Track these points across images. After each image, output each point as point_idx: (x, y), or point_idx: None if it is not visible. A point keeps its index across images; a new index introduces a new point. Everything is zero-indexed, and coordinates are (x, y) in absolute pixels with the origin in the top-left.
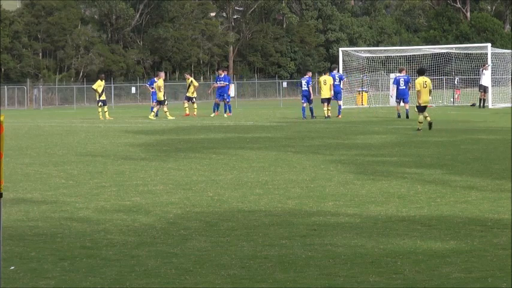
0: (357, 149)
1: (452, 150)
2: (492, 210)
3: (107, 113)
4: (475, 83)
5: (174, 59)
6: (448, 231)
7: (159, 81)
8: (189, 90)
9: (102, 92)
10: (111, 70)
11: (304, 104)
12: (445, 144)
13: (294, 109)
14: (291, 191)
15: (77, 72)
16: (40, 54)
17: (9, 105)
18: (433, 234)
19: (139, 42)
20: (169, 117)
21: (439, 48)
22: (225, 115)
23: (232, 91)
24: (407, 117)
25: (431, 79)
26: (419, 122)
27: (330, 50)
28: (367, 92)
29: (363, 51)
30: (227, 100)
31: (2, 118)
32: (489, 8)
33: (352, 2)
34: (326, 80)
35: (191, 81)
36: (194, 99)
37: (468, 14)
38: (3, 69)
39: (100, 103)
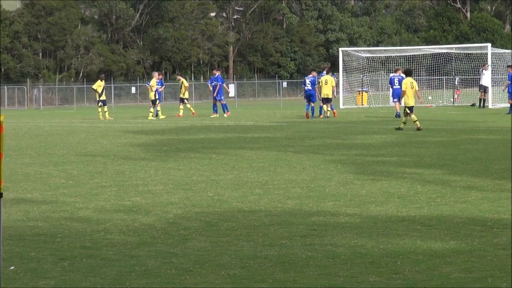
0: (357, 149)
1: (452, 150)
2: (492, 210)
3: (106, 113)
4: (475, 83)
5: (174, 59)
6: (448, 231)
7: (152, 81)
8: (181, 91)
9: (102, 92)
10: (111, 70)
11: (312, 104)
12: (445, 144)
13: (294, 109)
14: (291, 191)
15: (77, 72)
16: (40, 54)
17: (9, 105)
18: (433, 234)
19: (139, 42)
20: (161, 117)
21: (439, 48)
22: (225, 115)
23: (232, 91)
24: (396, 116)
25: (431, 79)
26: (415, 121)
27: (330, 50)
28: (367, 92)
29: (362, 51)
30: (222, 100)
31: (2, 118)
32: (489, 8)
33: (352, 2)
34: (327, 80)
35: (182, 82)
36: (186, 100)
37: (468, 14)
38: (3, 69)
39: (100, 103)
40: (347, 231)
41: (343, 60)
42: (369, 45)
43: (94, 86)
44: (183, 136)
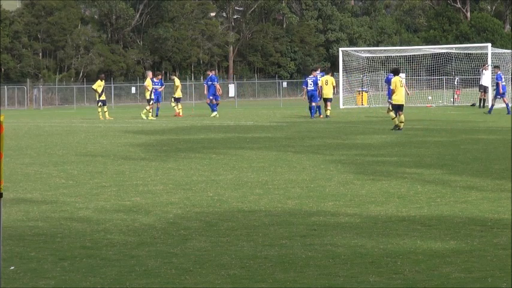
0: (357, 149)
1: (452, 150)
2: (492, 210)
3: (106, 113)
4: (475, 83)
5: (174, 59)
6: (448, 231)
7: (146, 81)
8: (177, 91)
9: (102, 92)
10: (111, 70)
11: (313, 104)
12: (445, 144)
13: (294, 109)
14: (291, 191)
15: (77, 72)
16: (40, 54)
17: (9, 105)
18: (433, 234)
19: (139, 42)
20: (149, 117)
21: (439, 48)
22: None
23: (232, 91)
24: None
25: (431, 79)
26: (401, 122)
27: (330, 50)
28: (367, 92)
29: (362, 51)
30: (217, 99)
31: (2, 118)
32: (489, 8)
33: (352, 2)
34: (328, 80)
35: (175, 81)
36: (175, 99)
37: (468, 14)
38: (3, 69)
39: (100, 103)
40: (347, 231)
41: (343, 60)
42: (369, 45)
43: (94, 86)
44: (183, 136)
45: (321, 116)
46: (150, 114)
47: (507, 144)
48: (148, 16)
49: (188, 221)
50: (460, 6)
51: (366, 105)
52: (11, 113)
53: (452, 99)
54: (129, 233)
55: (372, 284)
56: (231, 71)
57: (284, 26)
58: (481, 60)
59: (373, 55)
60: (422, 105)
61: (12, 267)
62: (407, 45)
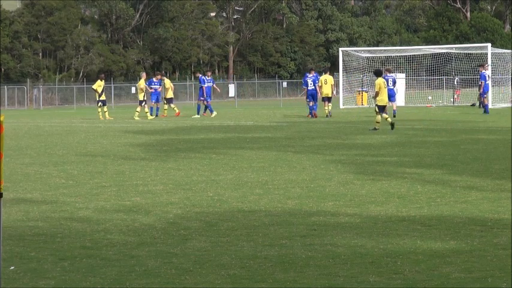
0: (357, 149)
1: (452, 150)
2: (492, 210)
3: (106, 113)
4: (475, 83)
5: (174, 59)
6: (448, 231)
7: (140, 82)
8: (167, 92)
9: (102, 92)
10: (111, 70)
11: (311, 103)
12: (445, 144)
13: (294, 109)
14: (291, 191)
15: (77, 72)
16: (40, 54)
17: (9, 105)
18: (433, 234)
19: (139, 42)
20: (136, 118)
21: (439, 48)
22: (200, 115)
23: (232, 91)
24: (393, 116)
25: (431, 79)
26: (377, 122)
27: (330, 50)
28: (367, 92)
29: (362, 51)
30: (208, 101)
31: (2, 118)
32: (489, 8)
33: (352, 2)
34: (327, 79)
35: (164, 82)
36: (166, 100)
37: (468, 14)
38: (3, 69)
39: (100, 103)
40: (347, 231)
41: (343, 60)
42: (369, 45)
43: (94, 86)
44: (183, 136)
45: (308, 116)
46: (137, 114)
47: (507, 144)
48: (148, 16)
49: (188, 221)
50: (460, 6)
51: (366, 105)
52: (11, 113)
53: (452, 99)
54: (129, 233)
55: (372, 284)
56: (231, 71)
57: (284, 26)
58: (481, 60)
59: (373, 55)
60: (422, 105)
61: (12, 267)
62: (407, 45)
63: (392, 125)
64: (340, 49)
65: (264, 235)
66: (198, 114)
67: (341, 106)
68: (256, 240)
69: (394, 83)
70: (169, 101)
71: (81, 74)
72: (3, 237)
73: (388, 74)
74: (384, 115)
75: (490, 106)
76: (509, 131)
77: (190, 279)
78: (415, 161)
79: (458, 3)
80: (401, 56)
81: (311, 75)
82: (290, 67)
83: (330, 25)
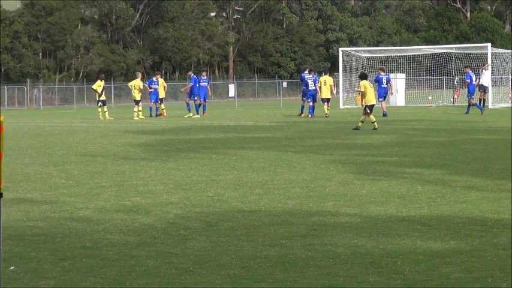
0: (357, 149)
1: (452, 150)
2: (492, 210)
3: (106, 113)
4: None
5: (174, 59)
6: (448, 231)
7: (136, 82)
8: (160, 91)
9: (102, 92)
10: (111, 70)
11: (311, 103)
12: (445, 144)
13: (294, 109)
14: (291, 191)
15: (77, 72)
16: (40, 54)
17: (9, 105)
18: (433, 234)
19: (139, 42)
20: (135, 118)
21: (439, 48)
22: (198, 115)
23: (232, 91)
24: (383, 115)
25: (431, 79)
26: (373, 122)
27: (330, 50)
28: None
29: (362, 51)
30: (204, 101)
31: (2, 118)
32: (489, 8)
33: (352, 2)
34: (326, 80)
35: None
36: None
37: (468, 14)
38: (3, 69)
39: (100, 103)
40: (347, 231)
41: (343, 60)
42: (369, 45)
43: (94, 86)
44: (183, 136)
45: (309, 115)
46: (141, 113)
47: (507, 144)
48: (148, 16)
49: (188, 221)
50: (460, 6)
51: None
52: (11, 113)
53: (452, 99)
54: (129, 233)
55: (372, 284)
56: (231, 71)
57: (284, 26)
58: (481, 60)
59: (373, 55)
60: (422, 105)
61: (12, 267)
62: (407, 45)
63: (357, 127)
64: (340, 49)
65: (264, 235)
66: (197, 114)
67: (341, 106)
68: (256, 240)
69: (388, 81)
70: (161, 100)
71: (81, 74)
72: (3, 237)
73: (382, 73)
74: (371, 117)
75: (490, 106)
76: (509, 131)
77: (190, 279)
78: (415, 161)
79: (458, 3)
80: (401, 56)
81: (310, 75)
82: (290, 67)
83: (330, 25)
